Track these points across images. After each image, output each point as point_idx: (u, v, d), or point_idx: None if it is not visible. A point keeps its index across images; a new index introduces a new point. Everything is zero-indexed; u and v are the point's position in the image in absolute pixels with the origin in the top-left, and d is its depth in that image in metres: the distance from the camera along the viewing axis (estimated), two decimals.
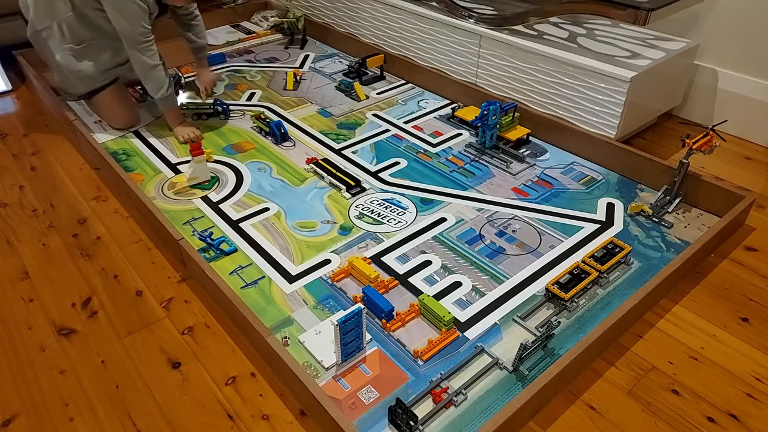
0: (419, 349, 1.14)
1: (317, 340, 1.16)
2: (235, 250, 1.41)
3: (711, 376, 1.11)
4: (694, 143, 1.46)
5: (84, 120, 1.99)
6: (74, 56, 1.82)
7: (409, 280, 1.32)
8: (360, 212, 1.54)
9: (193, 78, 2.26)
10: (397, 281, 1.31)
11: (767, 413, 1.04)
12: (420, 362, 1.12)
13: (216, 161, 1.76)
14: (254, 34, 2.70)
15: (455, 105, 2.05)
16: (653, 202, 1.52)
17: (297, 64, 2.41)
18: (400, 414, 0.98)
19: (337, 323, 1.04)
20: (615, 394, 1.08)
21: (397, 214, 1.53)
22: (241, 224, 1.50)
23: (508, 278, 1.32)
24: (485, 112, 1.70)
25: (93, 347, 1.20)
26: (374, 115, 2.01)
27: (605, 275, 1.30)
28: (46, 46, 1.82)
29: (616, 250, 1.35)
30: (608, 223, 1.48)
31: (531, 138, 1.85)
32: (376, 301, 1.21)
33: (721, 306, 1.27)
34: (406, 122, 1.96)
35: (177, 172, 1.72)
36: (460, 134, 1.89)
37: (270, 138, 1.87)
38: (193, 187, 1.64)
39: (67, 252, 1.46)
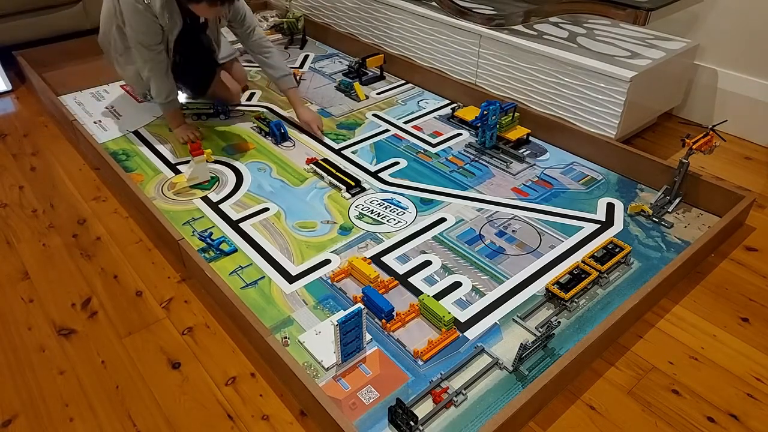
0: (419, 349, 1.14)
1: (317, 340, 1.16)
2: (235, 251, 1.41)
3: (711, 376, 1.11)
4: (694, 143, 1.46)
5: (83, 120, 1.99)
6: (121, 64, 1.89)
7: (409, 280, 1.32)
8: (360, 212, 1.54)
9: None
10: (397, 281, 1.31)
11: (767, 413, 1.04)
12: (420, 362, 1.12)
13: (216, 161, 1.76)
14: None
15: (455, 105, 2.05)
16: (653, 202, 1.52)
17: (297, 64, 2.41)
18: (400, 414, 0.98)
19: (337, 323, 1.04)
20: (615, 394, 1.08)
21: (397, 214, 1.53)
22: (241, 224, 1.50)
23: (508, 278, 1.32)
24: (485, 112, 1.70)
25: (93, 347, 1.20)
26: (374, 115, 2.01)
27: (605, 275, 1.30)
28: (109, 54, 1.93)
29: (616, 250, 1.35)
30: (608, 223, 1.48)
31: (531, 138, 1.85)
32: (376, 301, 1.21)
33: (721, 306, 1.27)
34: (405, 122, 1.96)
35: (177, 172, 1.72)
36: (459, 134, 1.89)
37: (270, 138, 1.87)
38: (192, 187, 1.64)
39: (67, 252, 1.46)
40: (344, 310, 1.19)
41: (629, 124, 1.76)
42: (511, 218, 1.50)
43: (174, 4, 1.64)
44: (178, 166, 1.74)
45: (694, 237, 1.42)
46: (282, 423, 1.04)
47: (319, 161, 1.72)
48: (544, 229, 1.46)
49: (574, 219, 1.50)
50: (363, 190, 1.62)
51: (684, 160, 1.48)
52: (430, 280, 1.32)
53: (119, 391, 1.11)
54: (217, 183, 1.66)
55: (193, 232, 1.48)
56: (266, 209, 1.56)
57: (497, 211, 1.53)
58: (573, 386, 1.10)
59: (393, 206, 1.56)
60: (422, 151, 1.80)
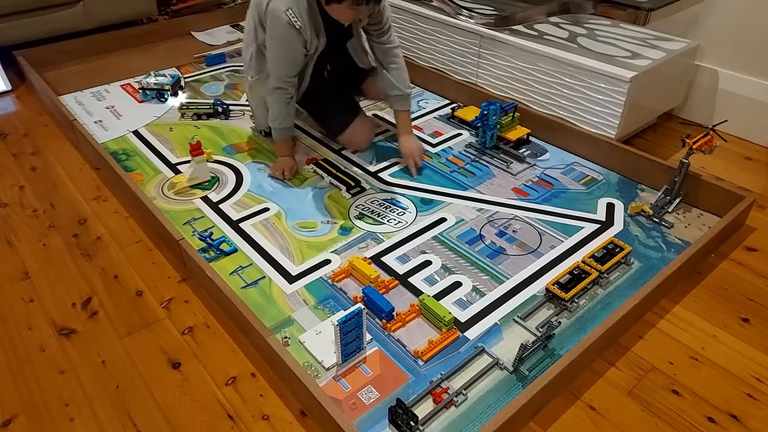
0: (419, 349, 1.14)
1: (317, 340, 1.16)
2: (235, 251, 1.41)
3: (711, 377, 1.11)
4: (694, 143, 1.46)
5: (83, 120, 1.99)
6: (252, 87, 1.74)
7: (409, 280, 1.32)
8: (360, 212, 1.54)
9: (192, 79, 2.26)
10: (397, 281, 1.31)
11: (767, 413, 1.04)
12: (420, 362, 1.12)
13: (216, 161, 1.76)
14: None
15: (455, 105, 2.05)
16: (653, 202, 1.52)
17: None
18: (400, 414, 0.98)
19: (337, 323, 1.04)
20: (615, 395, 1.08)
21: (397, 214, 1.53)
22: (241, 224, 1.50)
23: (508, 278, 1.32)
24: (485, 112, 1.70)
25: (93, 347, 1.20)
26: (374, 115, 2.01)
27: (605, 275, 1.30)
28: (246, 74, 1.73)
29: (617, 250, 1.35)
30: (608, 223, 1.48)
31: (531, 138, 1.84)
32: (376, 301, 1.21)
33: (722, 306, 1.27)
34: None
35: (177, 172, 1.72)
36: (460, 134, 1.89)
37: (270, 138, 1.87)
38: (193, 187, 1.64)
39: (68, 252, 1.46)
40: (344, 310, 1.19)
41: (629, 125, 1.76)
42: (512, 218, 1.50)
43: (318, 20, 1.51)
44: (178, 166, 1.74)
45: (695, 237, 1.42)
46: (282, 423, 1.05)
47: (320, 161, 1.72)
48: (545, 229, 1.46)
49: (574, 219, 1.50)
50: (363, 190, 1.62)
51: (684, 160, 1.48)
52: (430, 280, 1.32)
53: (119, 390, 1.11)
54: (217, 183, 1.66)
55: (193, 232, 1.48)
56: (266, 209, 1.56)
57: (497, 211, 1.53)
58: (573, 386, 1.10)
59: (393, 206, 1.56)
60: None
